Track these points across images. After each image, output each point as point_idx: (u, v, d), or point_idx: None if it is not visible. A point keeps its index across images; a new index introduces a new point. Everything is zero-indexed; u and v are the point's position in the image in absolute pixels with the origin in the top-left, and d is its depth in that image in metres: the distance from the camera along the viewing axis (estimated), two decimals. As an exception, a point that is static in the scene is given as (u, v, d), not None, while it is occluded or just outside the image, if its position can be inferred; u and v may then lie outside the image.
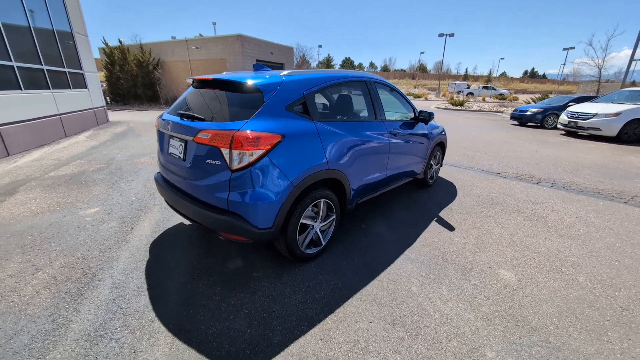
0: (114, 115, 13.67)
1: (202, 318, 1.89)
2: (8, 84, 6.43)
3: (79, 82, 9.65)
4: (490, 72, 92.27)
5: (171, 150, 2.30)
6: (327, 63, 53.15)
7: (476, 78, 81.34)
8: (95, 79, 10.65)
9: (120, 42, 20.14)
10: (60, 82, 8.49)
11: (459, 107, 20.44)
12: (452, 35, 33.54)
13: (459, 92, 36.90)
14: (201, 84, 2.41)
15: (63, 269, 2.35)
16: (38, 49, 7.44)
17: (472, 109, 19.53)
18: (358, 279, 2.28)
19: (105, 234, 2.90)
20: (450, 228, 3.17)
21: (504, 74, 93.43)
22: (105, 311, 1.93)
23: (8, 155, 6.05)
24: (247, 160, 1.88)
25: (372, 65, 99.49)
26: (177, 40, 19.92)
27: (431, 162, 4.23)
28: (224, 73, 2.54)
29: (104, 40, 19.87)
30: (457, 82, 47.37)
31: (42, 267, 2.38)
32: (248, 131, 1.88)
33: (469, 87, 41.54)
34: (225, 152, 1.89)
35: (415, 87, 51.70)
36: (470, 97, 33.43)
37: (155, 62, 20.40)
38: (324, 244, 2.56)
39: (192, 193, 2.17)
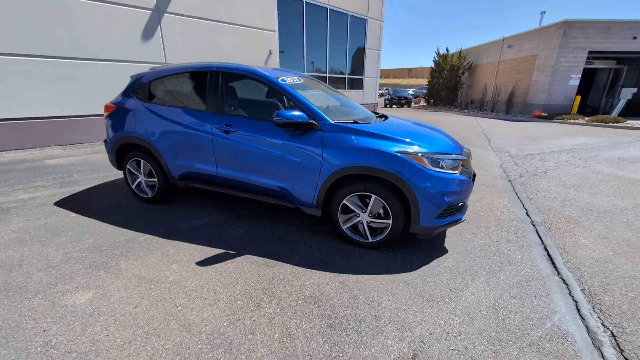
0: (383, 111, 17.17)
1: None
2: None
3: (358, 85, 13.45)
4: None
5: None
6: None
7: None
8: (373, 82, 14.01)
9: (447, 50, 22.56)
10: (340, 83, 12.62)
11: None
12: None
13: None
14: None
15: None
16: (327, 60, 11.71)
17: None
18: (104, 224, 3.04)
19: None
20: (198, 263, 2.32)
21: None
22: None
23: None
24: (105, 116, 3.43)
25: None
26: (493, 42, 18.61)
27: (351, 206, 2.48)
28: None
29: (437, 50, 23.29)
30: None
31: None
32: (107, 102, 3.38)
33: None
34: (105, 112, 3.55)
35: None
36: None
37: (467, 66, 20.81)
38: (149, 195, 3.39)
39: None
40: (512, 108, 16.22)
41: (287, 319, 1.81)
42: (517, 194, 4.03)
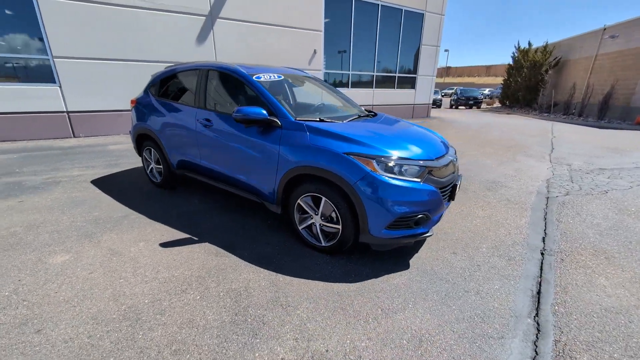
0: (440, 113, 15.92)
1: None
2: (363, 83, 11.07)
3: (409, 84, 12.69)
4: None
5: None
6: None
7: None
8: (427, 81, 13.03)
9: (529, 44, 19.60)
10: (389, 83, 12.10)
11: None
12: None
13: None
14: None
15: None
16: (375, 58, 11.33)
17: None
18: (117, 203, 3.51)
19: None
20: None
21: None
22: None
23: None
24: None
25: None
26: (589, 32, 15.40)
27: (304, 206, 2.40)
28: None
29: (517, 45, 20.44)
30: None
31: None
32: (132, 98, 3.91)
33: None
34: (132, 105, 4.09)
35: None
36: None
37: (552, 63, 17.75)
38: (158, 180, 3.81)
39: None
40: (606, 112, 13.28)
41: (200, 307, 1.87)
42: (546, 214, 3.33)
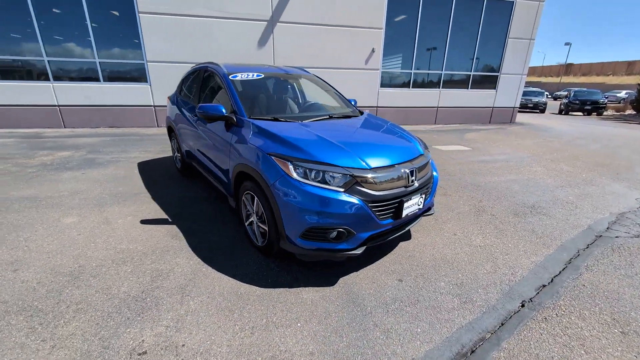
0: (535, 119, 13.35)
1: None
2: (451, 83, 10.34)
3: (489, 84, 10.98)
4: None
5: None
6: None
7: None
8: (514, 81, 11.00)
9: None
10: (461, 82, 10.75)
11: None
12: None
13: None
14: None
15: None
16: (445, 56, 10.21)
17: None
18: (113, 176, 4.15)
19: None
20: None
21: None
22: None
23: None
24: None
25: None
26: None
27: (246, 203, 2.43)
28: None
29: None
30: None
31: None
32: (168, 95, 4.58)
33: None
34: (167, 101, 4.76)
35: None
36: None
37: None
38: (179, 167, 4.38)
39: None
40: None
41: (124, 279, 2.12)
42: (575, 257, 2.50)
